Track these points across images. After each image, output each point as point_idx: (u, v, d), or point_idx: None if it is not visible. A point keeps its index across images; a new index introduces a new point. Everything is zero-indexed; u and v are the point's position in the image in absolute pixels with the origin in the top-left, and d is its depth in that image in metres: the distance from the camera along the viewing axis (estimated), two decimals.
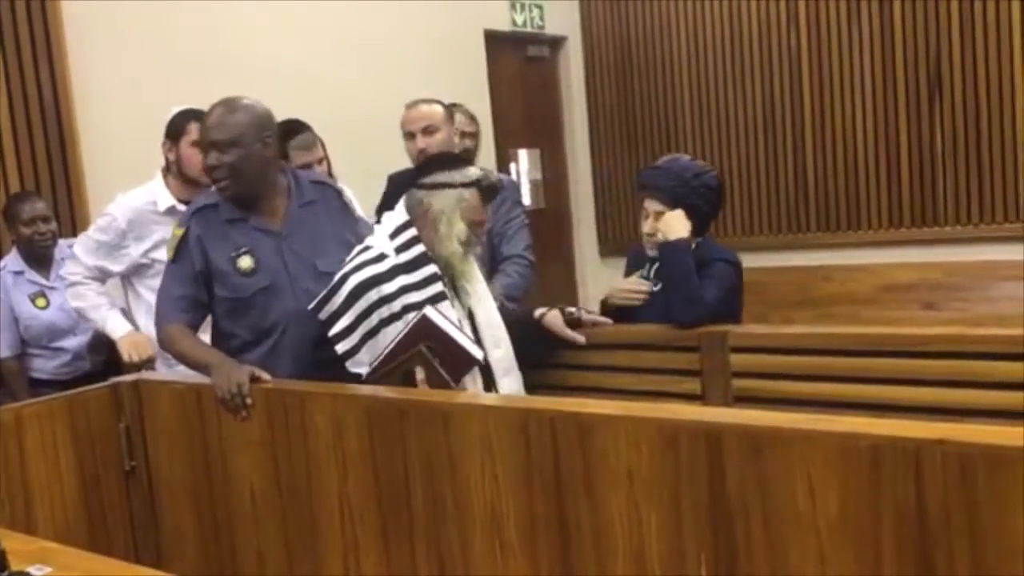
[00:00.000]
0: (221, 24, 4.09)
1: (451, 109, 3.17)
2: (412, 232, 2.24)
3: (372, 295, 2.18)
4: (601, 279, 5.63)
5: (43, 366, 3.20)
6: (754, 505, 1.45)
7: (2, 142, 3.42)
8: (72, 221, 3.57)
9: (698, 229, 2.60)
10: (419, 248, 2.23)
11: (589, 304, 4.38)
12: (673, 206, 2.60)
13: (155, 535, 2.41)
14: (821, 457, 1.37)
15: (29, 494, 2.19)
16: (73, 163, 3.59)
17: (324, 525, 2.06)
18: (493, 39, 5.49)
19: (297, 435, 2.08)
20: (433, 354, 2.13)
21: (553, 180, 6.11)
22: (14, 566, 1.15)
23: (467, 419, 1.80)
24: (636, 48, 5.93)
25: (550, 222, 6.01)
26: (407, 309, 2.18)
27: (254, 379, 2.16)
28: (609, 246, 6.07)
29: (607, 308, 2.73)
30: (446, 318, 2.17)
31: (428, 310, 2.15)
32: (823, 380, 2.32)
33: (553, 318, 2.59)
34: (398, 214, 2.29)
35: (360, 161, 3.73)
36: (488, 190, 2.32)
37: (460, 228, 2.25)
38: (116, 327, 2.91)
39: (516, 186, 3.36)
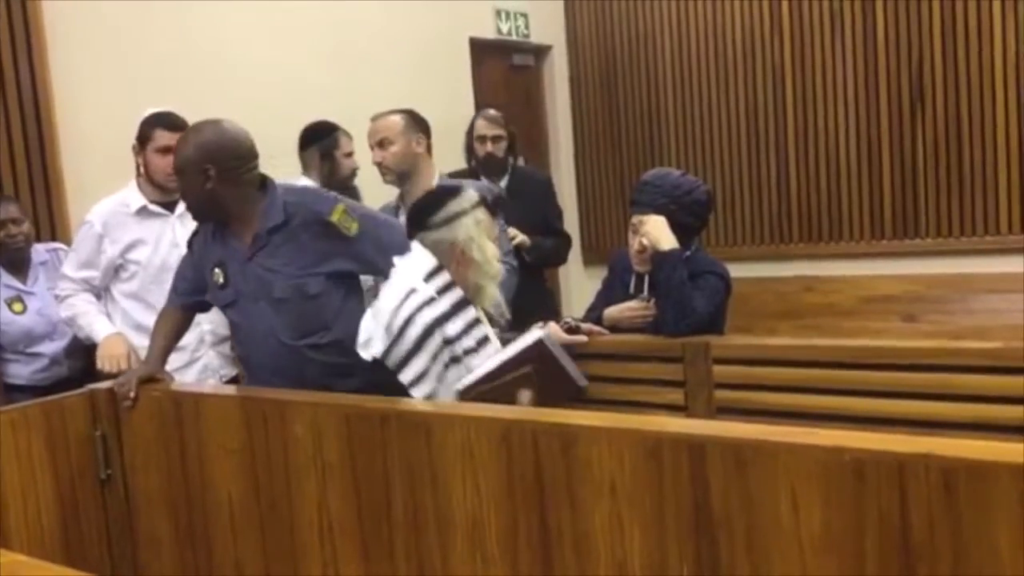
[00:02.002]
0: (204, 28, 4.06)
1: (413, 118, 3.13)
2: (446, 276, 2.17)
3: (437, 337, 2.12)
4: (585, 287, 5.62)
5: (19, 371, 3.15)
6: (737, 518, 1.44)
7: None
8: (51, 223, 3.52)
9: (683, 242, 2.60)
10: (458, 291, 2.17)
11: (574, 313, 4.37)
12: None
13: (131, 544, 2.38)
14: (805, 470, 1.37)
15: (3, 502, 2.16)
16: (52, 165, 3.54)
17: (303, 535, 2.04)
18: (478, 47, 5.49)
19: (276, 444, 2.06)
20: (539, 378, 2.13)
21: None
22: None
23: (449, 429, 1.79)
24: (621, 58, 5.95)
25: None
26: (468, 352, 2.14)
27: (151, 380, 2.41)
28: (593, 254, 6.07)
29: (607, 327, 2.73)
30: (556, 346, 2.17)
31: (543, 335, 2.16)
32: (805, 392, 2.33)
33: (554, 331, 2.60)
34: (422, 259, 2.20)
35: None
36: (494, 204, 2.30)
37: (492, 248, 2.21)
38: (100, 330, 2.89)
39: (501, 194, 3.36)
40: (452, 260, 2.18)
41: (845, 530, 1.34)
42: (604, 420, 1.68)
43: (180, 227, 2.98)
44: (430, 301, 2.13)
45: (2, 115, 3.43)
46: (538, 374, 2.11)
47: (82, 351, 3.17)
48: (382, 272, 2.60)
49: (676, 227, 2.59)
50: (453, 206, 2.20)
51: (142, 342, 2.71)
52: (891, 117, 5.11)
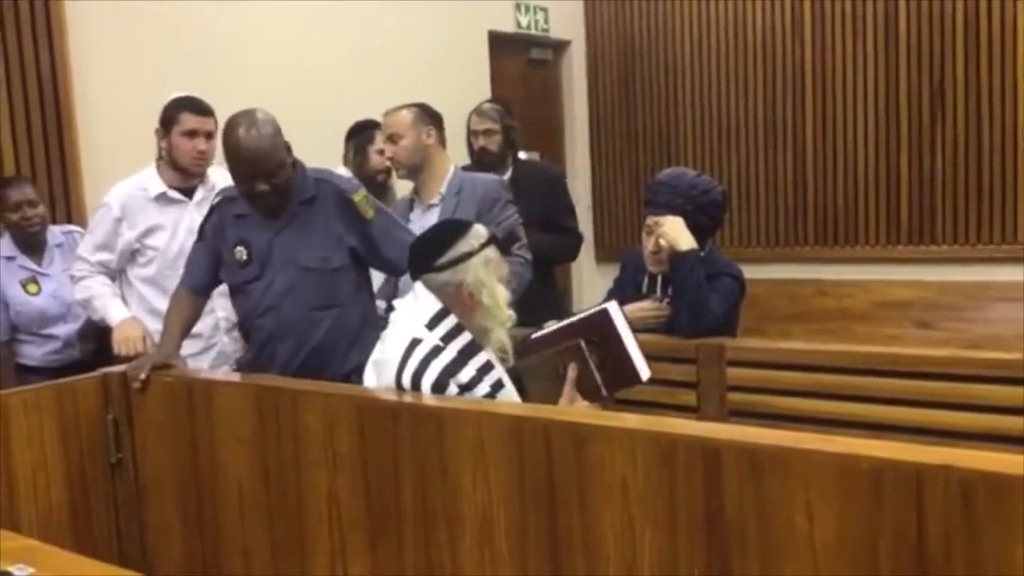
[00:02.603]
0: (225, 14, 4.06)
1: (422, 110, 3.12)
2: (452, 320, 2.03)
3: (452, 388, 1.97)
4: (597, 285, 5.61)
5: (32, 352, 3.16)
6: (750, 523, 1.43)
7: None
8: (67, 205, 3.52)
9: (698, 242, 2.59)
10: (467, 336, 2.02)
11: None
12: None
13: (139, 529, 2.38)
14: (821, 477, 1.35)
15: (13, 483, 2.16)
16: (69, 148, 3.54)
17: (312, 525, 2.03)
18: (497, 40, 5.47)
19: (287, 433, 2.06)
20: (593, 354, 1.99)
21: None
22: None
23: (461, 423, 1.78)
24: (639, 55, 5.92)
25: None
26: (497, 387, 2.01)
27: (165, 365, 2.42)
28: (606, 252, 6.05)
29: None
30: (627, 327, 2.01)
31: (612, 307, 2.02)
32: (819, 397, 2.32)
33: None
34: (424, 302, 2.06)
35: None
36: (504, 241, 2.20)
37: (502, 291, 2.06)
38: (116, 314, 2.91)
39: (509, 186, 3.34)
40: (459, 303, 2.04)
41: (860, 539, 1.33)
42: (618, 420, 1.67)
43: (197, 214, 2.98)
44: (436, 351, 1.98)
45: (20, 97, 3.43)
46: (596, 351, 1.96)
47: (95, 334, 3.18)
48: (384, 264, 2.65)
49: (691, 228, 2.58)
50: (461, 246, 2.05)
51: (157, 326, 2.73)
52: (911, 122, 5.07)
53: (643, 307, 2.69)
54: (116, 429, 2.35)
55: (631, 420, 1.68)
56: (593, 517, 1.61)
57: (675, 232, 2.55)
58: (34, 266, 3.17)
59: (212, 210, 2.64)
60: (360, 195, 2.57)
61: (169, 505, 2.32)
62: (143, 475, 2.36)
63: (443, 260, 2.05)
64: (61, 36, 3.52)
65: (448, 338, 2.01)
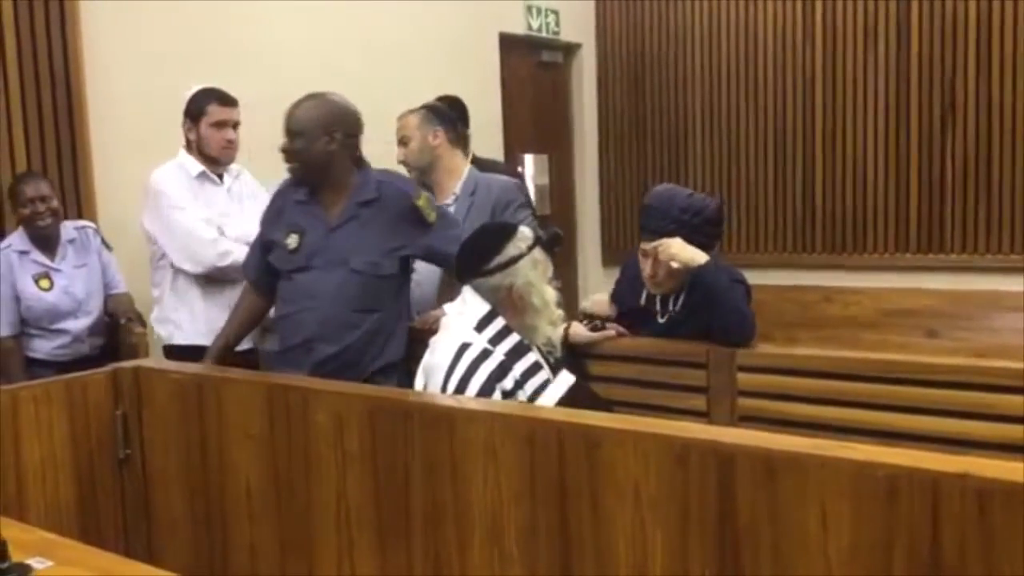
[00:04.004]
0: (238, 11, 4.06)
1: (430, 112, 3.14)
2: (500, 322, 2.08)
3: (496, 394, 2.02)
4: (603, 288, 5.60)
5: (40, 346, 3.16)
6: (763, 529, 1.42)
7: (11, 118, 3.38)
8: (77, 200, 3.52)
9: None
10: (515, 337, 2.07)
11: None
12: None
13: (146, 525, 2.38)
14: (836, 484, 1.35)
15: (22, 476, 2.16)
16: (81, 142, 3.54)
17: (320, 524, 2.03)
18: (507, 42, 5.47)
19: (298, 431, 2.05)
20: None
21: (559, 186, 6.09)
22: (13, 557, 1.12)
23: (472, 424, 1.78)
24: (650, 58, 5.92)
25: None
26: (540, 390, 2.06)
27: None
28: (613, 255, 6.05)
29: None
30: None
31: (573, 378, 2.11)
32: (830, 404, 2.31)
33: (578, 330, 2.57)
34: (473, 305, 2.11)
35: (371, 160, 3.70)
36: (550, 242, 2.21)
37: (550, 291, 2.12)
38: None
39: (525, 188, 3.35)
40: (509, 305, 2.09)
41: (874, 547, 1.32)
42: (631, 423, 1.67)
43: (227, 198, 3.06)
44: (484, 355, 2.02)
45: (33, 92, 3.44)
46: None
47: (104, 329, 3.19)
48: (450, 262, 2.65)
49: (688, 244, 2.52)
50: (510, 249, 2.11)
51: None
52: (921, 130, 5.06)
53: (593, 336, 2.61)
54: (125, 425, 2.35)
55: (645, 424, 1.67)
56: (604, 520, 1.60)
57: (685, 253, 2.44)
58: (47, 261, 3.17)
59: (274, 197, 2.71)
60: (423, 199, 2.61)
61: (177, 501, 2.31)
62: (151, 471, 2.36)
63: (492, 265, 2.09)
64: (74, 32, 3.52)
65: (496, 340, 2.04)
